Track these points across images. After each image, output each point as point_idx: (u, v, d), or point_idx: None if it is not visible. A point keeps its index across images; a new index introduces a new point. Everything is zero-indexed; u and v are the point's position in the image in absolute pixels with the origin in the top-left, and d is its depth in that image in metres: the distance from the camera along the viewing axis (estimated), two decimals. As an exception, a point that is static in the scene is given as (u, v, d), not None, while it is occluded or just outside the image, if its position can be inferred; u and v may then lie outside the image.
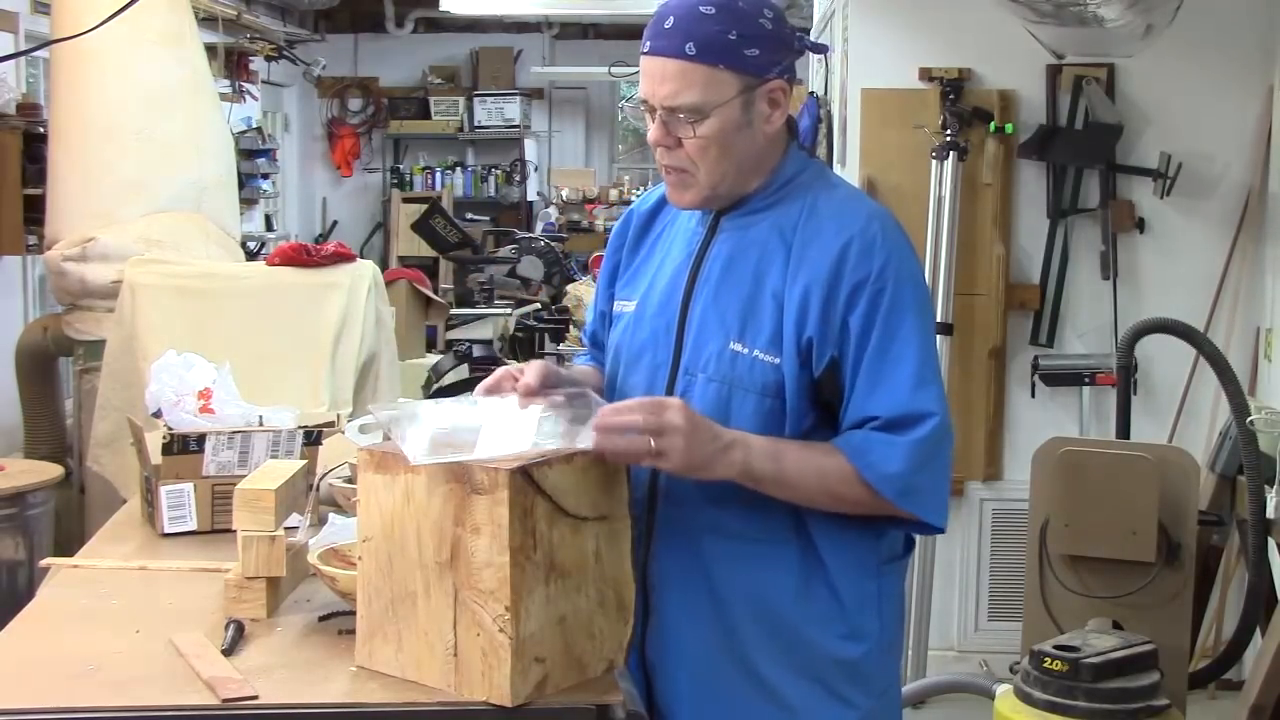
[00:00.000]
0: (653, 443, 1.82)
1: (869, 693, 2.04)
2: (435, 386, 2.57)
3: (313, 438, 2.68)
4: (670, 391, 2.03)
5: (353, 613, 1.92)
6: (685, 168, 2.00)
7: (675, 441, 1.83)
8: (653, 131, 2.00)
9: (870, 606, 2.03)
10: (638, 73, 2.03)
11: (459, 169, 12.11)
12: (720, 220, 2.06)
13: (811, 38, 2.32)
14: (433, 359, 5.64)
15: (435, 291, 7.04)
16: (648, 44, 1.99)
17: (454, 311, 7.37)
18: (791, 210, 2.02)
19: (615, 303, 2.18)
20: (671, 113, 1.96)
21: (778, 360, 1.96)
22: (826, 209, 2.01)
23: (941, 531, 2.02)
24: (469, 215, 11.08)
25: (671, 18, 1.96)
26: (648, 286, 2.12)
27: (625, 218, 2.24)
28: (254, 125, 10.17)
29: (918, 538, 2.27)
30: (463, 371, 3.37)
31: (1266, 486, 3.43)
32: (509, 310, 8.06)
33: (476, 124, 11.90)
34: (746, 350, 1.98)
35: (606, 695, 1.82)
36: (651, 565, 2.04)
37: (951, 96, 4.65)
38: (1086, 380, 4.62)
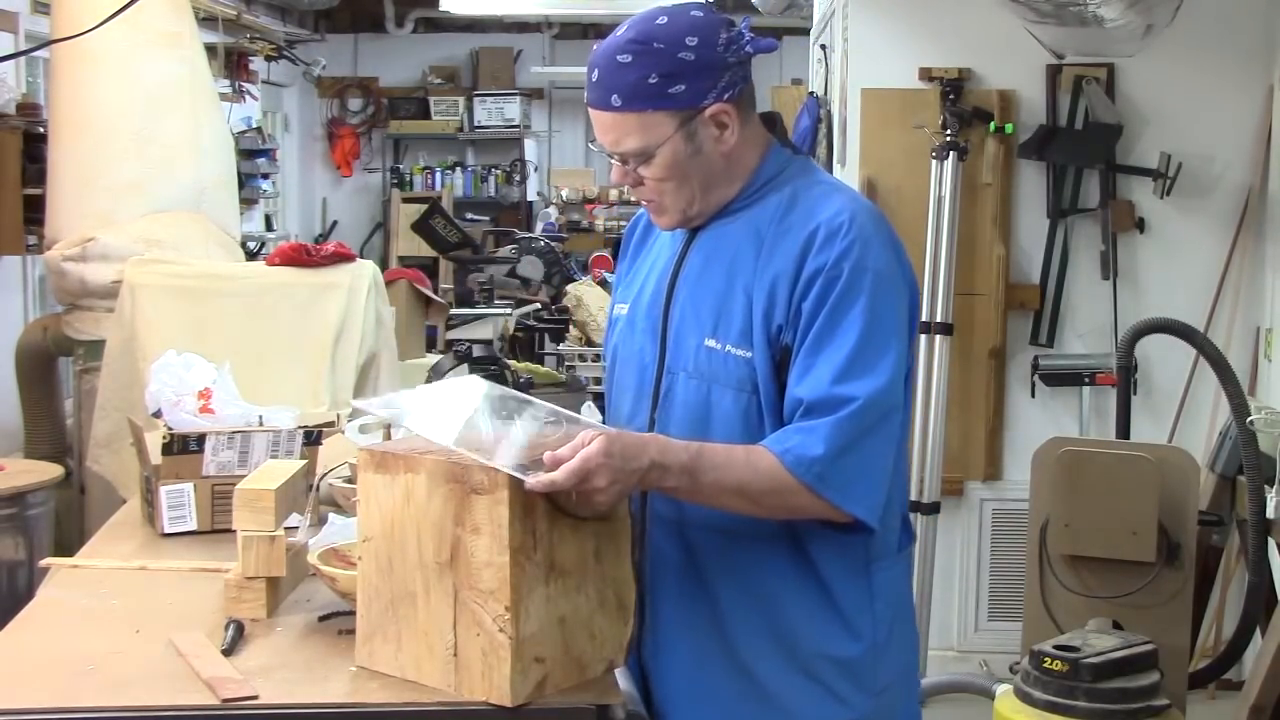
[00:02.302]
0: (574, 496, 1.81)
1: (866, 692, 2.04)
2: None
3: (313, 438, 2.68)
4: (657, 390, 2.05)
5: (353, 613, 1.92)
6: (653, 199, 2.04)
7: (598, 499, 1.81)
8: (614, 173, 2.05)
9: (863, 604, 2.03)
10: None
11: (459, 169, 12.10)
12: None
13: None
14: (433, 359, 5.63)
15: (435, 291, 7.04)
16: (587, 95, 2.02)
17: (454, 311, 7.37)
18: (769, 206, 2.03)
19: (615, 308, 2.21)
20: (621, 157, 2.01)
21: (749, 354, 1.97)
22: (803, 202, 2.01)
23: (869, 529, 1.94)
24: (469, 215, 11.08)
25: (596, 70, 1.99)
26: (639, 290, 2.14)
27: (631, 227, 2.27)
28: (254, 125, 10.16)
29: (917, 531, 2.26)
30: (463, 371, 3.37)
31: (1266, 486, 3.43)
32: (509, 310, 8.05)
33: (476, 124, 11.89)
34: (720, 346, 1.99)
35: (606, 695, 1.82)
36: (645, 566, 2.04)
37: (951, 96, 4.65)
38: (1086, 380, 4.62)
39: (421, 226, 7.37)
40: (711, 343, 2.00)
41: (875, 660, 2.04)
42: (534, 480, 1.75)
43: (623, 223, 11.12)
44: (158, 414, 2.68)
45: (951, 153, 4.59)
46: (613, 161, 2.04)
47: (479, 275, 7.74)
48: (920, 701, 4.28)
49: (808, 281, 1.94)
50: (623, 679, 1.94)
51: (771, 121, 2.08)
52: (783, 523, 1.98)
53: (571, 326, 7.58)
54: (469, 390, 1.96)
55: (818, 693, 2.01)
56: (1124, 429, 3.74)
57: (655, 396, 2.05)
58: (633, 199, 2.10)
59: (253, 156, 9.82)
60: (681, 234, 2.10)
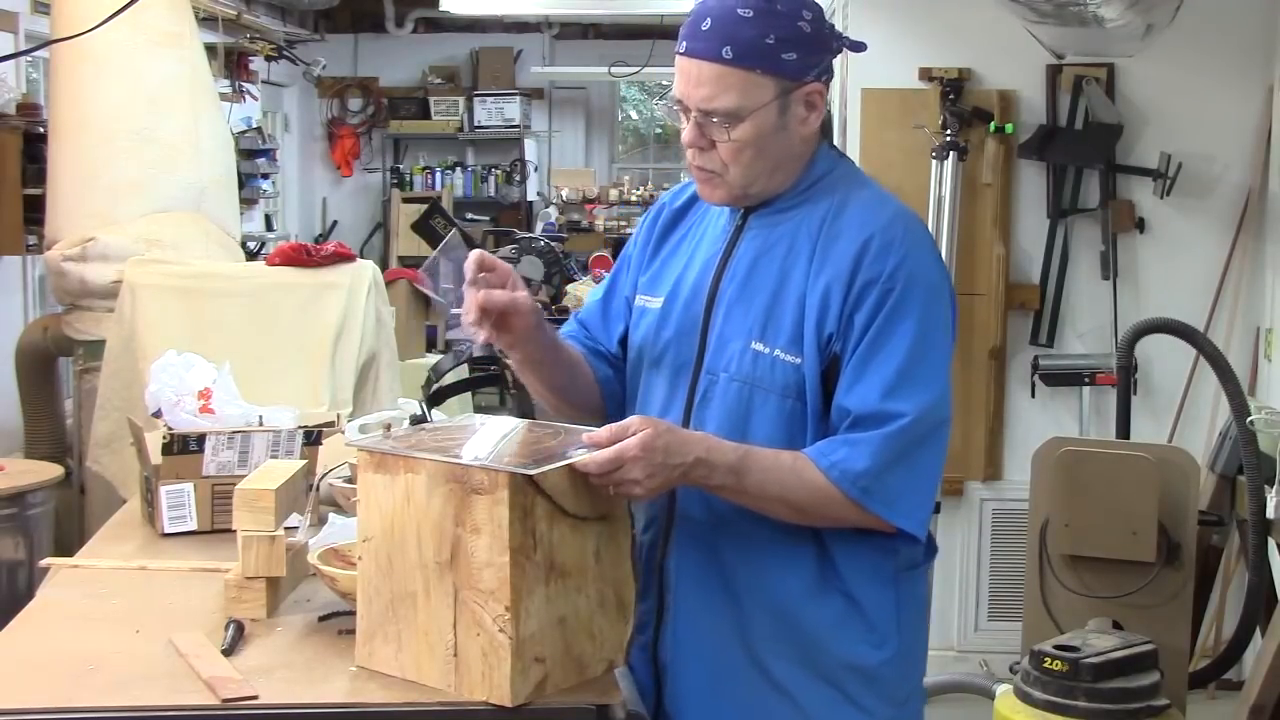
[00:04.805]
0: (611, 491, 1.82)
1: (887, 701, 2.02)
2: (435, 386, 2.57)
3: (313, 438, 2.68)
4: (693, 390, 2.02)
5: (353, 613, 1.92)
6: (716, 169, 1.99)
7: (634, 490, 1.82)
8: (686, 133, 1.98)
9: (888, 614, 2.01)
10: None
11: (459, 169, 12.09)
12: (748, 219, 2.05)
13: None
14: (433, 359, 5.63)
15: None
16: (684, 44, 1.96)
17: (454, 311, 7.36)
18: (819, 209, 2.00)
19: (639, 297, 2.16)
20: (706, 115, 1.95)
21: (799, 360, 1.95)
22: (854, 208, 1.99)
23: (917, 540, 1.98)
24: (469, 215, 11.07)
25: (709, 19, 1.93)
26: (675, 284, 2.10)
27: (656, 211, 2.21)
28: (254, 125, 10.16)
29: (939, 542, 2.24)
30: (463, 371, 3.36)
31: (1266, 486, 3.43)
32: (509, 310, 8.02)
33: (476, 124, 11.88)
34: (768, 350, 1.97)
35: (606, 695, 1.82)
36: (669, 563, 2.03)
37: (951, 96, 4.65)
38: (1086, 380, 4.62)
39: (421, 226, 7.38)
40: (759, 346, 1.97)
41: (899, 669, 2.03)
42: (572, 459, 1.76)
43: (623, 223, 11.12)
44: (158, 414, 2.68)
45: (951, 153, 4.60)
46: (685, 120, 1.97)
47: (479, 275, 7.72)
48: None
49: (861, 291, 1.93)
50: (622, 679, 1.94)
51: (824, 124, 2.06)
52: (809, 529, 1.97)
53: (571, 326, 7.59)
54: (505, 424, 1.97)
55: (839, 700, 2.00)
56: (1124, 429, 3.74)
57: (690, 396, 2.03)
58: (689, 165, 2.04)
59: (253, 156, 9.81)
60: (726, 230, 2.06)
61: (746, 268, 2.02)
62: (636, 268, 2.19)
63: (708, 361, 2.02)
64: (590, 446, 1.81)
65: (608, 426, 1.83)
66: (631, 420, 1.84)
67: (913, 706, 2.09)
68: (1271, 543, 3.52)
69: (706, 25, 1.93)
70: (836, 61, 2.06)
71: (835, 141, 5.23)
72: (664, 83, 2.15)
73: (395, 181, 12.10)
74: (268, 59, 10.17)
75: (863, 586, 1.99)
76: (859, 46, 2.07)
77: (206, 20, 7.77)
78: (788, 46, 1.92)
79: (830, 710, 2.00)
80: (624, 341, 2.20)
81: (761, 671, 2.00)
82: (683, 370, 2.04)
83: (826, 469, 1.90)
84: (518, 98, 11.83)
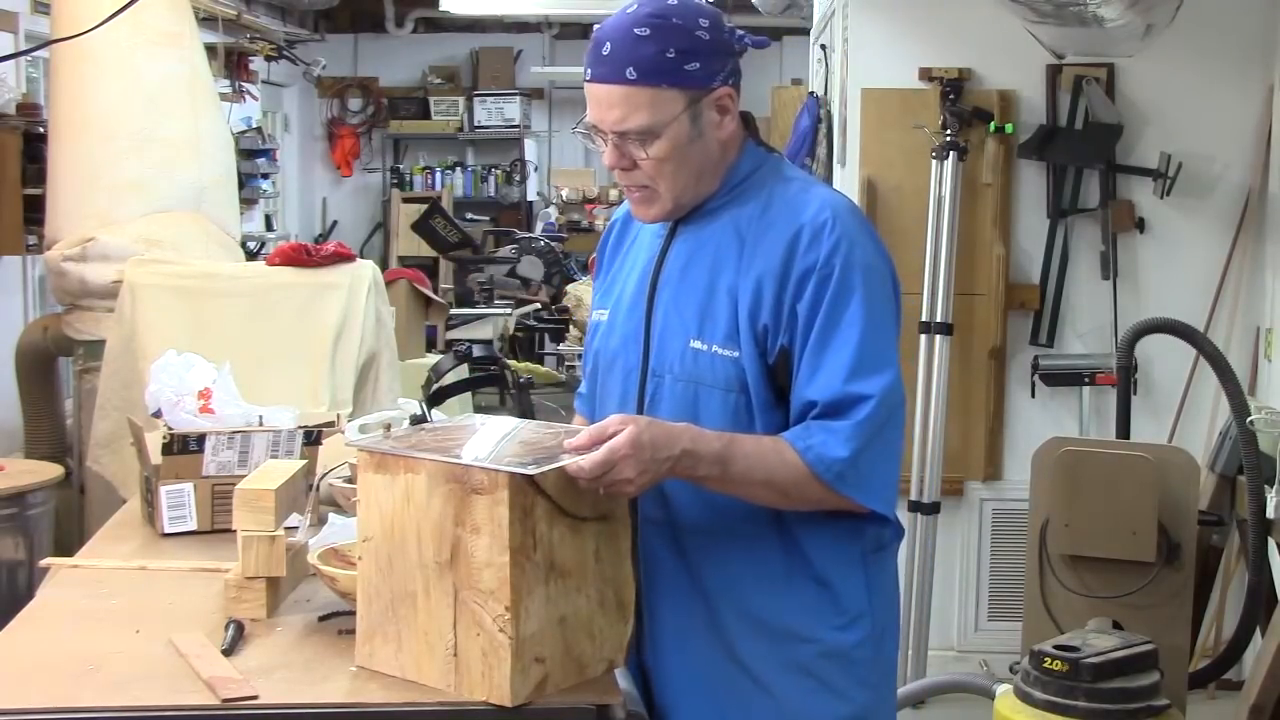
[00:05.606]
0: (601, 492, 1.83)
1: (862, 684, 2.05)
2: (435, 386, 2.58)
3: (313, 438, 2.69)
4: (642, 394, 2.05)
5: (353, 613, 1.92)
6: (646, 184, 2.02)
7: (627, 489, 1.84)
8: (607, 156, 2.01)
9: (859, 596, 2.04)
10: None
11: (459, 169, 12.10)
12: (678, 223, 2.08)
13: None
14: (433, 359, 5.63)
15: (435, 291, 7.04)
16: (589, 71, 1.99)
17: (454, 311, 7.38)
18: (747, 207, 2.03)
19: (594, 312, 2.21)
20: (623, 136, 1.98)
21: (736, 354, 1.98)
22: (780, 202, 2.02)
23: (886, 519, 2.02)
24: (469, 215, 11.08)
25: (609, 43, 1.96)
26: (619, 294, 2.14)
27: (608, 230, 2.26)
28: (254, 125, 10.16)
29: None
30: (463, 371, 3.36)
31: (1266, 486, 3.43)
32: (509, 310, 8.07)
33: (476, 124, 11.89)
34: (706, 347, 2.00)
35: (606, 695, 1.82)
36: (640, 568, 2.04)
37: (951, 96, 4.65)
38: (1086, 380, 4.61)
39: (421, 226, 7.39)
40: (697, 344, 2.00)
41: (873, 651, 2.06)
42: (562, 463, 1.76)
43: (623, 223, 11.12)
44: (158, 414, 2.68)
45: (951, 153, 4.60)
46: (604, 144, 2.00)
47: (479, 275, 7.76)
48: (920, 701, 4.29)
49: (799, 282, 1.95)
50: (622, 679, 1.94)
51: (746, 120, 2.09)
52: (773, 520, 1.99)
53: (571, 326, 7.60)
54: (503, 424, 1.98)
55: (815, 688, 2.02)
56: (1124, 429, 3.74)
57: (640, 400, 2.05)
58: (623, 185, 2.07)
59: (253, 156, 9.81)
60: (659, 236, 2.10)
61: (679, 269, 2.05)
62: (596, 290, 2.24)
63: (653, 364, 2.05)
64: (572, 452, 1.80)
65: (586, 429, 1.84)
66: (609, 420, 1.85)
67: (885, 689, 2.11)
68: (1271, 543, 3.52)
69: (607, 50, 1.96)
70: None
71: (835, 142, 5.22)
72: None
73: (395, 181, 12.11)
74: (268, 59, 10.17)
75: (832, 570, 2.02)
76: (761, 43, 2.09)
77: (206, 20, 7.77)
78: (689, 57, 1.95)
79: (808, 699, 2.02)
80: None
81: (740, 666, 2.02)
82: (631, 374, 2.08)
83: (803, 451, 1.92)
84: (518, 98, 11.83)
